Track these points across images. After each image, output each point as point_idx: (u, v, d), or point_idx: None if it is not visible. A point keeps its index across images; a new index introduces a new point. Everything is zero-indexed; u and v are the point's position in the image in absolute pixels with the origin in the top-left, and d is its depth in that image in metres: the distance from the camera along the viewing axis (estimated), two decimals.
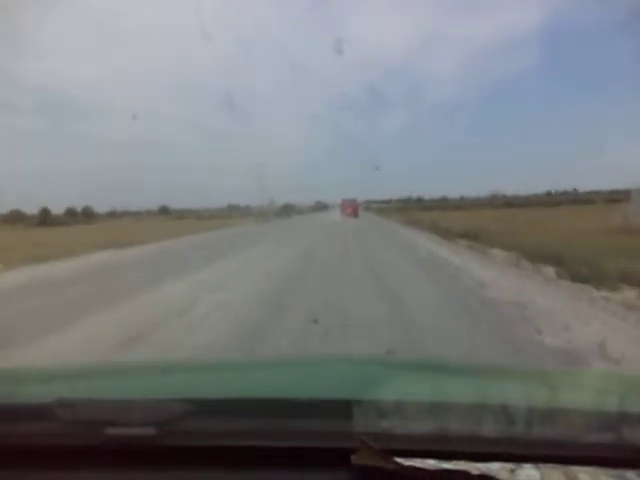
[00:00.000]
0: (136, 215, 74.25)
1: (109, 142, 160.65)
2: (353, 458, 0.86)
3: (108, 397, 1.11)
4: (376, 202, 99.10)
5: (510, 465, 0.83)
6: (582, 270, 7.60)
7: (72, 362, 3.90)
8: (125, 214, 77.37)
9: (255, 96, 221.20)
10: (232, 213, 60.96)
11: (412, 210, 56.31)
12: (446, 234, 17.82)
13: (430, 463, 0.84)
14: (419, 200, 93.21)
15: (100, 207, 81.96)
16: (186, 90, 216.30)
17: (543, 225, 19.17)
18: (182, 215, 67.57)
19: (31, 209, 61.33)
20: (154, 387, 1.33)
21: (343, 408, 0.95)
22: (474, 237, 15.02)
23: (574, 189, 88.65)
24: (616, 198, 29.69)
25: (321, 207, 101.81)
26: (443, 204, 74.98)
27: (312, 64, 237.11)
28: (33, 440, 0.99)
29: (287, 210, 76.60)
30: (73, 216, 70.09)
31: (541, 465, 0.83)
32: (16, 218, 54.28)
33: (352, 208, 47.05)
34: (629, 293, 6.44)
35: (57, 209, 70.73)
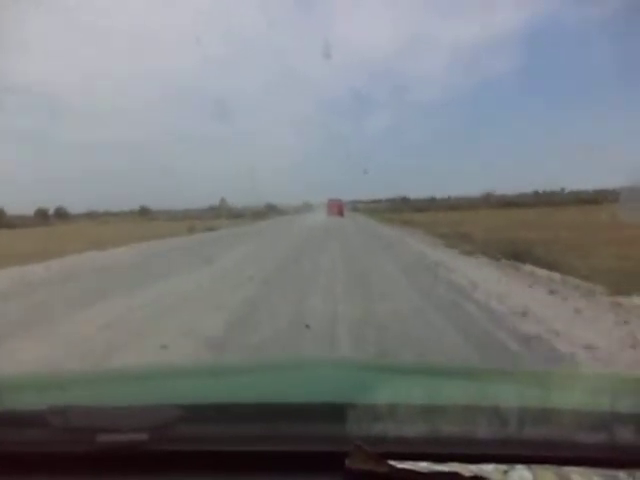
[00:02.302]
0: (116, 216, 71.78)
1: (95, 143, 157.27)
2: (347, 462, 0.86)
3: (100, 404, 1.09)
4: (363, 202, 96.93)
5: (503, 466, 0.83)
6: None
7: (63, 370, 3.77)
8: (103, 215, 74.87)
9: (242, 97, 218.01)
10: (207, 214, 58.42)
11: (405, 211, 53.94)
12: (500, 255, 11.32)
13: (423, 465, 0.84)
14: (406, 200, 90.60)
15: (82, 208, 79.63)
16: (172, 91, 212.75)
17: (596, 233, 14.35)
18: (156, 217, 64.24)
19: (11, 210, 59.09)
20: (146, 393, 1.31)
21: (337, 412, 0.94)
22: (553, 264, 9.45)
23: (562, 189, 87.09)
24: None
25: (306, 207, 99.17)
26: (433, 204, 72.74)
27: (299, 65, 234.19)
28: (25, 447, 0.97)
29: (268, 211, 74.52)
30: (44, 217, 68.57)
31: (534, 466, 0.83)
32: None
33: (337, 208, 49.35)
34: None
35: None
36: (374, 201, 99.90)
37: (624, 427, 0.89)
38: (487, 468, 0.82)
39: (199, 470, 0.92)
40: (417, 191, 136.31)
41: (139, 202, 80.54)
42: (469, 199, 72.38)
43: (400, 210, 56.97)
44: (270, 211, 76.45)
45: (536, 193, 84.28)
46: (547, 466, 0.83)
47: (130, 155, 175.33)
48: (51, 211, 74.00)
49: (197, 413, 0.99)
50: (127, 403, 1.08)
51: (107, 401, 1.14)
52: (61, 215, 74.47)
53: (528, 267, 9.93)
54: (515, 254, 11.04)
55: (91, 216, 73.65)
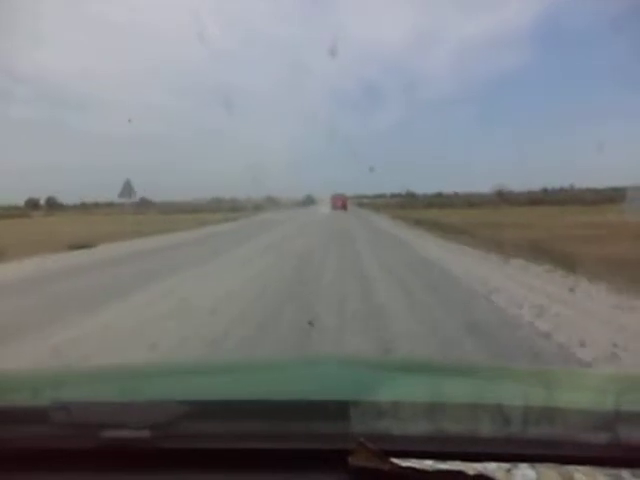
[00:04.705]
0: (118, 207, 69.27)
1: (103, 136, 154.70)
2: (350, 459, 0.86)
3: (104, 399, 1.09)
4: (368, 197, 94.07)
5: (506, 465, 0.83)
6: None
7: (67, 365, 3.81)
8: (97, 206, 72.12)
9: (249, 91, 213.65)
10: (205, 207, 57.85)
11: (416, 207, 50.41)
12: None
13: (427, 464, 0.84)
14: (412, 195, 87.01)
15: (89, 198, 79.95)
16: (180, 85, 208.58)
17: None
18: (148, 210, 59.76)
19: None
20: (150, 389, 1.30)
21: (340, 409, 0.94)
22: None
23: (571, 185, 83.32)
24: None
25: (309, 201, 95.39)
26: (440, 199, 69.68)
27: (308, 59, 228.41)
28: (28, 443, 0.97)
29: (267, 204, 71.30)
30: (35, 207, 67.16)
31: (537, 465, 0.83)
32: None
33: (341, 202, 51.20)
34: None
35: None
36: (379, 196, 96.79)
37: (628, 426, 0.89)
38: (490, 466, 0.82)
39: (202, 467, 0.92)
40: (422, 186, 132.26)
41: (146, 193, 77.41)
42: (478, 195, 69.09)
43: (410, 206, 53.71)
44: (269, 204, 73.09)
45: (544, 190, 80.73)
46: (550, 465, 0.83)
47: (136, 146, 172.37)
48: (42, 201, 72.14)
49: (200, 410, 0.98)
50: (131, 399, 1.07)
51: (111, 397, 1.13)
52: (51, 205, 72.28)
53: None
54: None
55: (82, 207, 71.17)
